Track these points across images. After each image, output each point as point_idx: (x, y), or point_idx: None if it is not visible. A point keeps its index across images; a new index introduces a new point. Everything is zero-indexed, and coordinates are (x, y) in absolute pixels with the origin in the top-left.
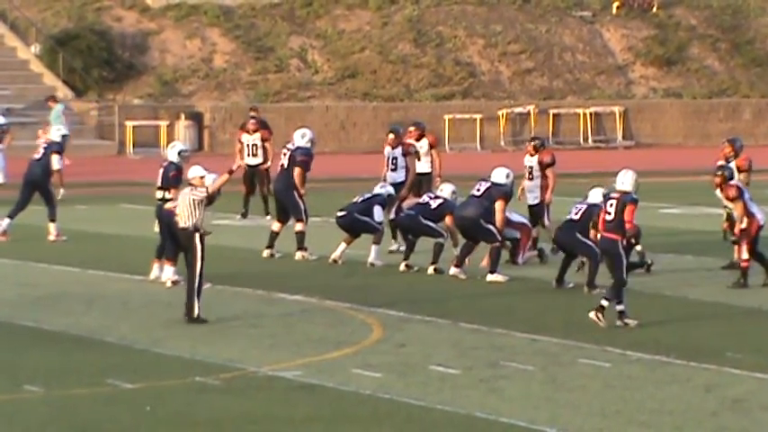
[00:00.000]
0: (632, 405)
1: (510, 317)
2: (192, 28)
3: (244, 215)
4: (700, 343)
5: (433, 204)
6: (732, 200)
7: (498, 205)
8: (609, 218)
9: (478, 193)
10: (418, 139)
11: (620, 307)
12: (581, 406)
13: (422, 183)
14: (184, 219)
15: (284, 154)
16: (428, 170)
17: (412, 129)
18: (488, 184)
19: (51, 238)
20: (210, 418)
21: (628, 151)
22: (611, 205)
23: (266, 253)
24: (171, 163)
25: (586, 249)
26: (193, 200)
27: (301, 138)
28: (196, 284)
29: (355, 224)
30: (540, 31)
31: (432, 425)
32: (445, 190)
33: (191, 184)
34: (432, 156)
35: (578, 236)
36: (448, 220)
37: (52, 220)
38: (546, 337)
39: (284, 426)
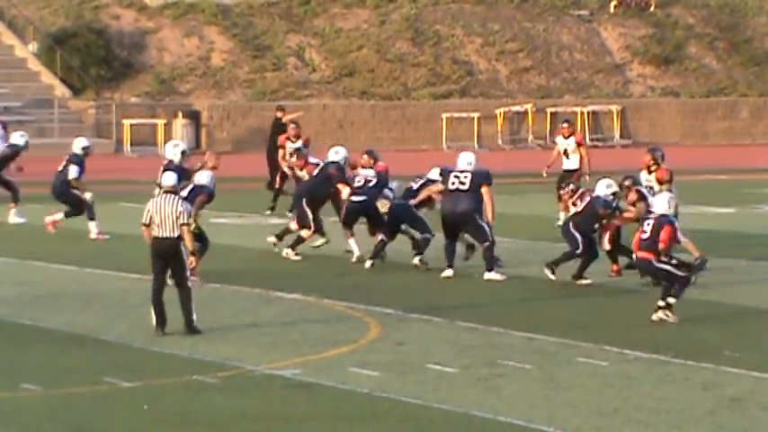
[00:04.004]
0: (630, 404)
1: (507, 315)
2: (190, 26)
3: (272, 209)
4: (697, 342)
5: (415, 185)
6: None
7: (486, 190)
8: (644, 236)
9: (465, 187)
10: (567, 137)
11: (671, 300)
12: (579, 405)
13: (564, 179)
14: (169, 228)
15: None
16: (575, 167)
17: (565, 125)
18: (469, 175)
19: (92, 236)
20: (208, 416)
21: (625, 150)
22: (648, 224)
23: (272, 239)
24: (171, 161)
25: (572, 242)
26: (181, 212)
27: (335, 154)
28: (192, 294)
29: (368, 210)
30: (537, 29)
31: (429, 423)
32: (434, 172)
33: (167, 192)
34: (580, 153)
35: (570, 228)
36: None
37: (91, 219)
38: (543, 336)
39: (282, 424)
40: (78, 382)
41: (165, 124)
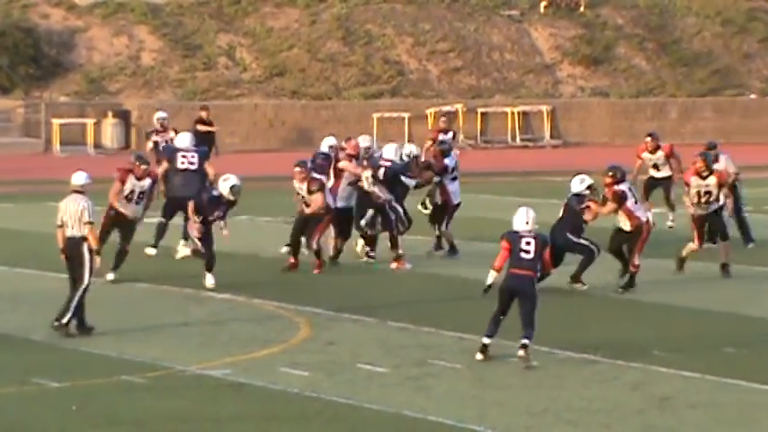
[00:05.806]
0: (559, 403)
1: (438, 315)
2: (119, 25)
3: None
4: (627, 341)
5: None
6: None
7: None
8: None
9: (194, 167)
10: (653, 152)
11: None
12: (508, 404)
13: (659, 187)
14: (75, 228)
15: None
16: (668, 174)
17: (648, 140)
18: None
19: None
20: (137, 417)
21: (555, 150)
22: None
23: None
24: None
25: (580, 248)
26: (83, 210)
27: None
28: (80, 295)
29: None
30: (468, 29)
31: (359, 423)
32: (389, 149)
33: (75, 191)
34: (670, 163)
35: (569, 236)
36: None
37: None
38: (474, 336)
39: (211, 424)
40: (6, 383)
41: (94, 124)
